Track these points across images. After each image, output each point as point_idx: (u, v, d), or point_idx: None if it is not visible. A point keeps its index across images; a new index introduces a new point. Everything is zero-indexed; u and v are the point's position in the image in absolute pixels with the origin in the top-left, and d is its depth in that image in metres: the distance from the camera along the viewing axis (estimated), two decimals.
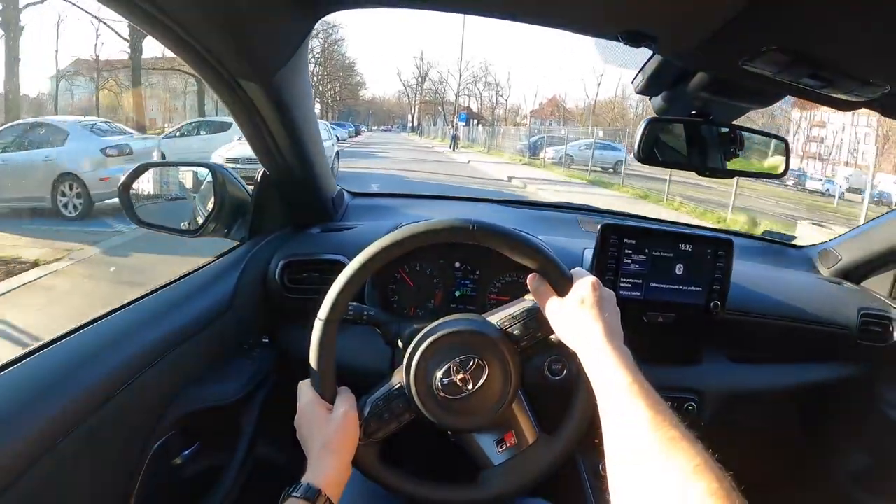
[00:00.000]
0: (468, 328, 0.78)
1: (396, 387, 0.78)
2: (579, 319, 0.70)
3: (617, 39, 0.68)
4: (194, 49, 0.77)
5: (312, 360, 0.76)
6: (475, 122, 45.20)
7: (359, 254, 0.76)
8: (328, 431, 0.73)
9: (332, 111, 61.82)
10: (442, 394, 0.75)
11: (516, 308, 0.81)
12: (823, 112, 35.37)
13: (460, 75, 46.92)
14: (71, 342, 0.78)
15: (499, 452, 0.82)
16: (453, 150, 29.33)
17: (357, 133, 41.79)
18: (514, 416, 0.83)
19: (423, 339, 0.78)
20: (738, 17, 0.54)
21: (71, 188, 6.92)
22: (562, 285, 0.75)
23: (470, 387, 0.75)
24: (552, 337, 0.77)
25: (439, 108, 61.94)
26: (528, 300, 0.81)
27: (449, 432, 0.80)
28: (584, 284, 0.73)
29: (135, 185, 1.16)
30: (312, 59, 50.03)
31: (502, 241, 0.76)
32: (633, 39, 0.66)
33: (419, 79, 64.70)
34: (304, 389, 0.77)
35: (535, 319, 0.79)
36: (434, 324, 0.81)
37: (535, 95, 76.25)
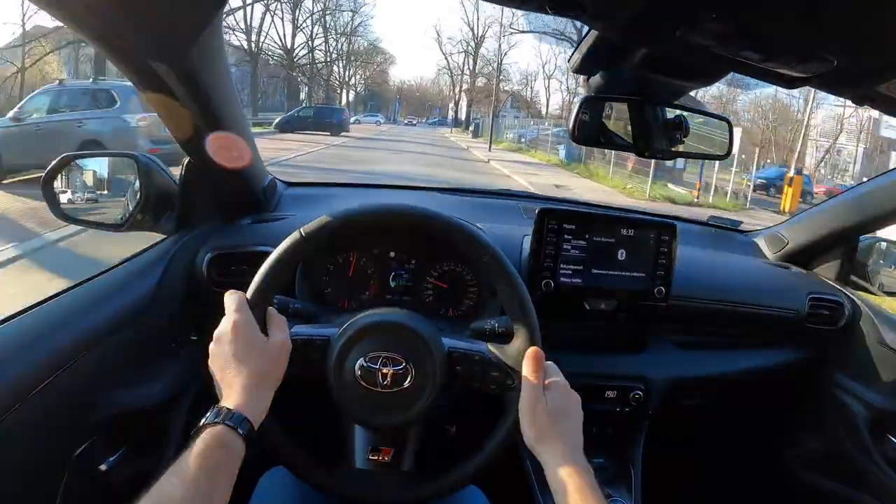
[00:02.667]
0: (420, 333, 0.75)
1: (322, 337, 0.76)
2: (556, 430, 0.70)
3: (544, 10, 0.64)
4: (97, 30, 0.71)
5: (265, 270, 0.73)
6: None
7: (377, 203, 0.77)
8: (266, 360, 0.68)
9: (343, 85, 46.25)
10: (358, 374, 0.73)
11: (474, 350, 0.78)
12: None
13: None
14: None
15: (367, 458, 0.81)
16: None
17: (332, 127, 22.48)
18: (404, 438, 0.83)
19: (376, 315, 0.76)
20: None
21: None
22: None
23: (386, 382, 0.72)
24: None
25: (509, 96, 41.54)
26: (490, 350, 0.78)
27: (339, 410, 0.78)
28: (564, 393, 0.74)
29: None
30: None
31: (512, 287, 0.77)
32: (561, 7, 0.62)
33: (469, 44, 41.68)
34: (237, 303, 0.71)
35: (483, 375, 0.77)
36: (395, 309, 0.79)
37: None
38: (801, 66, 0.65)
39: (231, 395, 0.64)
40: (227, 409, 0.62)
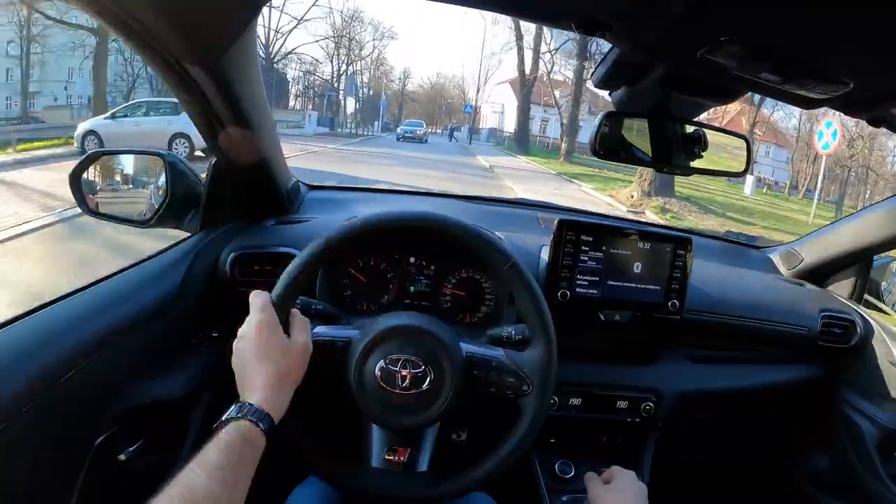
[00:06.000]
0: (440, 337, 0.77)
1: (344, 339, 0.78)
2: None
3: (570, 28, 0.66)
4: (136, 32, 0.73)
5: (290, 272, 0.75)
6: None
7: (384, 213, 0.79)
8: (287, 360, 0.70)
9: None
10: (378, 376, 0.75)
11: (491, 356, 0.81)
12: None
13: None
14: (10, 331, 0.75)
15: (384, 458, 0.83)
16: None
17: None
18: (420, 439, 0.85)
19: (397, 319, 0.78)
20: (696, 4, 0.53)
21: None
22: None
23: (406, 384, 0.74)
24: None
25: None
26: (503, 357, 0.81)
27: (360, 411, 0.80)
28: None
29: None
30: None
31: (531, 296, 0.80)
32: (587, 27, 0.64)
33: None
34: (262, 303, 0.73)
35: (499, 380, 0.79)
36: (415, 313, 0.81)
37: None
38: (819, 89, 0.66)
39: (253, 391, 0.66)
40: (250, 404, 0.64)
